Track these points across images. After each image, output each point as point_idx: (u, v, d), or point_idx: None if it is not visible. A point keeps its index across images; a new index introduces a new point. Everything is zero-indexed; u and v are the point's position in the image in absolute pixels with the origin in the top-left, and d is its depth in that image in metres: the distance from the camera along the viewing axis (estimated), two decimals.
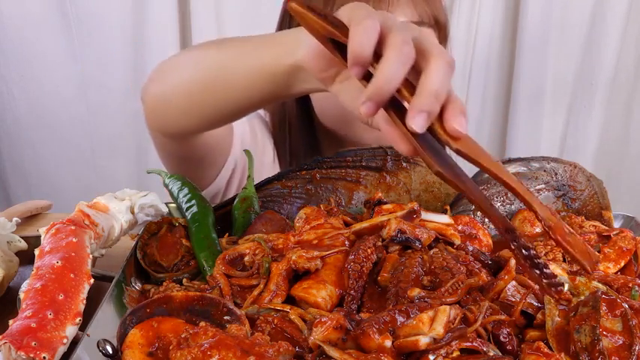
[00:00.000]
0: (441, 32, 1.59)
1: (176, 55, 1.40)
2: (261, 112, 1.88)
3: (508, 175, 0.87)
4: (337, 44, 0.92)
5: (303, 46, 1.04)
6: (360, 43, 0.86)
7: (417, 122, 0.84)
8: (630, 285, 1.00)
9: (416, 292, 0.91)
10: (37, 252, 1.03)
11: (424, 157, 0.88)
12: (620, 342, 0.85)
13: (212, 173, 1.56)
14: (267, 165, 1.80)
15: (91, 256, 1.05)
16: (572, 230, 0.87)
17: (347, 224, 1.17)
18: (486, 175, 1.28)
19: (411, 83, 0.87)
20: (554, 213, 0.87)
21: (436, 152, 0.87)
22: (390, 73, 0.85)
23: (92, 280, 0.99)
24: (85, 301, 0.96)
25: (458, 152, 0.85)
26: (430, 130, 0.86)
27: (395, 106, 0.89)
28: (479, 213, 1.32)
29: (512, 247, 0.87)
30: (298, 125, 1.75)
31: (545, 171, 1.34)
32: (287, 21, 1.68)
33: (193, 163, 1.54)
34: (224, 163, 1.66)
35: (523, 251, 0.86)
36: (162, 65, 1.38)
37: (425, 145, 0.88)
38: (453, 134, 0.85)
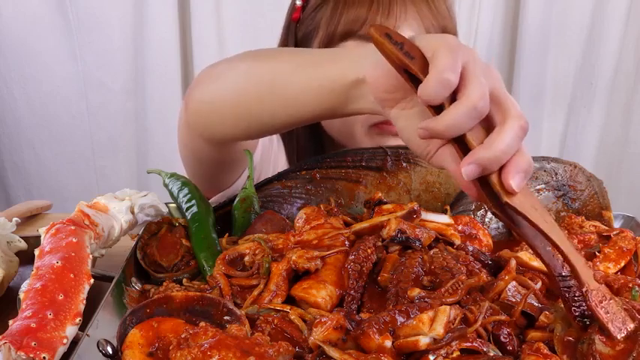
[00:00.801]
0: None
1: (225, 62, 1.34)
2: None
3: (558, 234, 0.87)
4: (412, 75, 0.90)
5: (371, 61, 0.99)
6: (436, 92, 0.86)
7: (467, 171, 0.85)
8: (630, 285, 1.00)
9: (416, 292, 0.91)
10: (37, 252, 1.03)
11: (483, 199, 0.90)
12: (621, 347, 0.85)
13: (234, 176, 1.54)
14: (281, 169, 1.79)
15: (91, 256, 1.05)
16: (613, 296, 0.87)
17: (347, 224, 1.17)
18: None
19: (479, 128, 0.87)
20: (598, 278, 0.88)
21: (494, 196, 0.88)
22: (455, 123, 0.85)
23: (92, 281, 0.99)
24: (85, 301, 0.96)
25: (507, 206, 0.86)
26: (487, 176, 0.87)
27: (462, 144, 0.89)
28: (479, 213, 1.32)
29: (562, 292, 0.88)
30: (305, 132, 1.75)
31: (545, 171, 1.34)
32: (293, 29, 1.67)
33: (225, 167, 1.52)
34: (247, 166, 1.65)
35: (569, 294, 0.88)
36: (210, 71, 1.34)
37: (486, 188, 0.89)
38: (507, 189, 0.86)
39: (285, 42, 1.70)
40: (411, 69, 0.88)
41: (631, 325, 0.85)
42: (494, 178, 0.86)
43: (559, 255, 0.88)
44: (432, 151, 0.95)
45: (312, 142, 1.77)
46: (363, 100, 1.05)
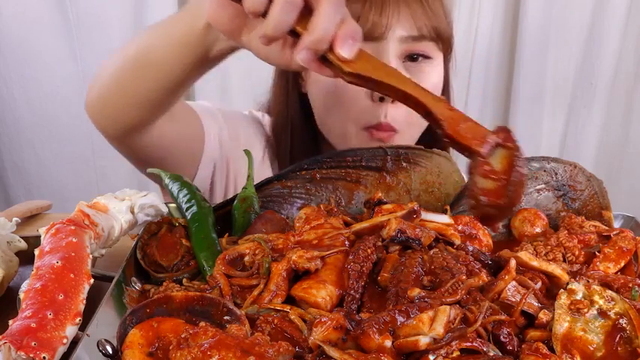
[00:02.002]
0: (444, 44, 1.60)
1: (104, 60, 1.45)
2: (256, 113, 1.89)
3: (404, 83, 0.96)
4: None
5: (206, 4, 1.10)
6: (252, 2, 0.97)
7: (302, 56, 0.96)
8: (630, 285, 1.00)
9: (416, 292, 0.91)
10: (37, 252, 1.03)
11: (339, 76, 0.99)
12: None
13: (185, 174, 1.55)
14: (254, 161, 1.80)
15: (90, 256, 1.05)
16: (469, 118, 0.95)
17: (347, 224, 1.17)
18: None
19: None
20: (451, 108, 0.95)
21: None
22: (277, 20, 0.95)
23: (92, 280, 0.99)
24: (85, 301, 0.96)
25: (351, 75, 0.94)
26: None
27: None
28: None
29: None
30: (300, 127, 1.75)
31: (545, 171, 1.34)
32: None
33: (154, 164, 1.55)
34: (197, 164, 1.68)
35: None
36: (96, 70, 1.46)
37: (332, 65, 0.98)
38: (341, 59, 0.94)
39: None
40: None
41: (493, 137, 0.93)
42: (330, 55, 0.95)
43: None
44: (289, 56, 1.07)
45: (307, 139, 1.77)
46: (219, 41, 1.17)
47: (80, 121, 3.06)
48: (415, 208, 1.13)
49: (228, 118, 1.78)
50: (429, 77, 1.58)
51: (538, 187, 1.34)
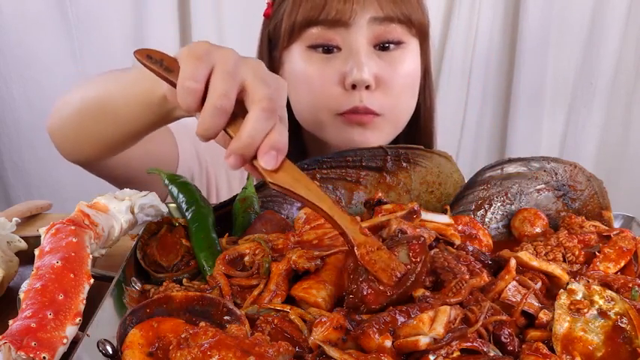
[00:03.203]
0: (418, 30, 1.59)
1: (69, 90, 1.45)
2: None
3: (321, 200, 0.96)
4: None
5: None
6: (182, 99, 0.97)
7: (230, 161, 0.96)
8: (630, 285, 1.00)
9: (420, 292, 0.91)
10: (37, 252, 1.02)
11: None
12: None
13: (157, 190, 1.55)
14: (237, 173, 1.81)
15: (91, 256, 1.05)
16: (382, 246, 0.96)
17: None
18: (487, 175, 1.30)
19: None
20: (366, 232, 0.97)
21: None
22: (206, 126, 0.96)
23: (92, 280, 0.99)
24: (85, 301, 0.95)
25: (273, 186, 0.96)
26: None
27: None
28: (479, 213, 1.32)
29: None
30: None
31: (545, 171, 1.34)
32: (266, 25, 1.70)
33: (122, 183, 1.56)
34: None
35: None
36: (58, 101, 1.47)
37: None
38: (264, 170, 0.95)
39: (260, 39, 1.73)
40: (171, 82, 1.00)
41: (399, 273, 0.93)
42: (255, 162, 0.96)
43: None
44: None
45: (292, 139, 1.78)
46: (179, 109, 1.12)
47: None
48: (415, 208, 1.14)
49: None
50: (402, 64, 1.57)
51: (538, 187, 1.34)
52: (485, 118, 3.40)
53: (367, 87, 1.52)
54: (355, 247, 0.94)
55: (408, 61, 1.58)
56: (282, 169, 0.96)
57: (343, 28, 1.51)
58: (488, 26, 3.25)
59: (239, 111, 0.97)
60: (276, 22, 1.63)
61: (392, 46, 1.55)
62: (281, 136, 0.96)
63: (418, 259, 0.93)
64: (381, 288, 0.91)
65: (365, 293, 0.91)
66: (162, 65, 1.01)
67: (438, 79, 3.25)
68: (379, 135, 1.58)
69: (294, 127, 1.71)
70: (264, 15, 1.70)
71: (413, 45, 1.60)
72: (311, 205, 0.96)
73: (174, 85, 0.99)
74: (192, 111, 0.99)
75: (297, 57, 1.58)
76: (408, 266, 0.93)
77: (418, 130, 1.76)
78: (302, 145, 1.77)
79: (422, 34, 1.62)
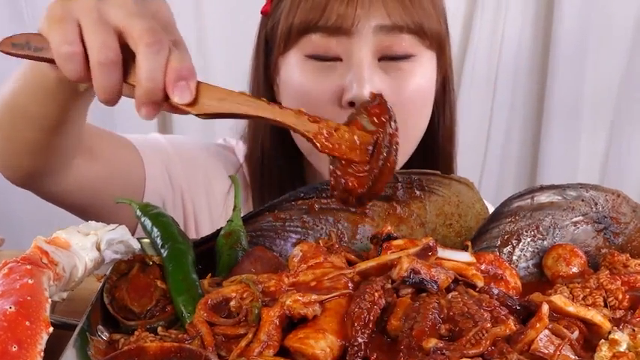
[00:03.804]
0: (433, 42, 1.61)
1: None
2: (230, 141, 1.92)
3: (257, 107, 1.02)
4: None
5: None
6: (64, 69, 1.03)
7: (143, 114, 1.02)
8: None
9: (432, 343, 0.92)
10: None
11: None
12: None
13: (122, 219, 1.57)
14: (218, 195, 1.84)
15: (49, 300, 1.05)
16: (338, 126, 1.02)
17: (350, 263, 1.17)
18: (514, 206, 1.30)
19: None
20: (315, 119, 1.03)
21: None
22: (98, 84, 1.01)
23: (51, 329, 0.99)
24: (42, 354, 0.96)
25: (202, 117, 1.01)
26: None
27: None
28: (505, 250, 1.33)
29: None
30: (273, 150, 1.78)
31: (583, 200, 1.35)
32: (264, 23, 1.72)
33: (79, 211, 1.61)
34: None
35: None
36: None
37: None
38: (180, 105, 1.00)
39: (257, 40, 1.76)
40: (49, 60, 1.05)
41: (370, 143, 1.00)
42: (171, 102, 1.00)
43: None
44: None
45: (285, 163, 1.80)
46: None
47: None
48: (431, 244, 1.14)
49: (183, 149, 1.82)
50: (411, 77, 1.59)
51: (575, 219, 1.35)
52: (512, 137, 3.41)
53: None
54: (313, 140, 1.00)
55: (418, 76, 1.59)
56: (201, 96, 1.00)
57: (345, 36, 1.53)
58: (517, 30, 3.26)
59: (132, 58, 1.01)
60: (274, 22, 1.65)
61: (399, 58, 1.57)
62: (182, 61, 1.00)
63: (383, 119, 0.98)
64: (360, 168, 0.95)
65: (345, 182, 0.97)
66: (30, 47, 1.07)
67: (458, 93, 3.26)
68: None
69: (289, 148, 1.73)
70: (261, 12, 1.72)
71: (426, 58, 1.61)
72: (249, 117, 1.02)
73: (53, 61, 1.04)
74: (83, 79, 1.02)
75: (293, 65, 1.60)
76: (376, 132, 0.98)
77: (435, 153, 1.77)
78: (300, 170, 1.79)
79: (438, 45, 1.64)
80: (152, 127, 3.18)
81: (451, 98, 1.77)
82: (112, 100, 1.03)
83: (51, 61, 1.04)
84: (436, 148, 1.77)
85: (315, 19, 1.53)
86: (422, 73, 1.60)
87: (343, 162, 0.98)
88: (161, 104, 1.00)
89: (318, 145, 0.99)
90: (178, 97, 0.98)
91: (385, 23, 1.53)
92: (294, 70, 1.60)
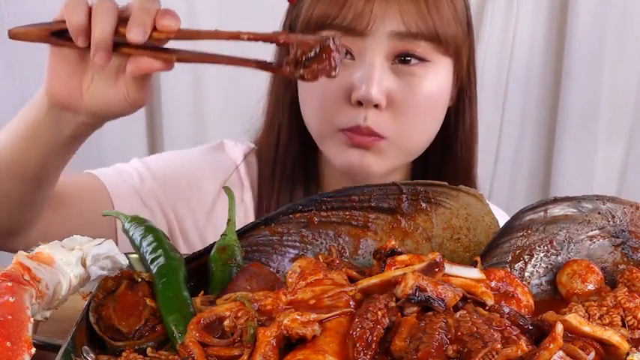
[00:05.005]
0: (450, 49, 1.66)
1: None
2: (227, 142, 1.96)
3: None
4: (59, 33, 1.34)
5: (44, 82, 1.38)
6: (70, 19, 1.28)
7: (130, 69, 1.28)
8: None
9: None
10: None
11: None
12: None
13: None
14: (206, 200, 1.87)
15: (32, 319, 1.05)
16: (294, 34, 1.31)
17: (352, 280, 1.17)
18: (527, 219, 1.30)
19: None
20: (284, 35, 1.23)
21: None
22: (99, 25, 1.25)
23: (33, 350, 1.00)
24: None
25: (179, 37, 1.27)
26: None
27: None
28: (516, 266, 1.33)
29: None
30: (289, 139, 1.85)
31: (599, 213, 1.35)
32: (290, 12, 1.77)
33: None
34: (116, 239, 1.73)
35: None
36: None
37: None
38: (164, 30, 1.24)
39: (282, 28, 1.80)
40: (53, 27, 1.35)
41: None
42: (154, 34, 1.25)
43: None
44: (123, 89, 1.35)
45: (301, 163, 1.86)
46: (66, 121, 1.40)
47: None
48: (437, 259, 1.14)
49: (158, 167, 1.87)
50: (423, 82, 1.63)
51: (591, 233, 1.35)
52: (524, 146, 3.41)
53: (376, 106, 1.58)
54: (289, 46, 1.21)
55: (430, 81, 1.64)
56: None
57: (359, 37, 1.59)
58: (529, 32, 3.27)
59: None
60: (297, 12, 1.71)
61: (414, 60, 1.61)
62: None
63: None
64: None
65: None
66: (43, 24, 1.38)
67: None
68: (382, 161, 1.67)
69: (307, 144, 1.76)
70: (288, 0, 1.78)
71: (442, 65, 1.66)
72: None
73: (53, 33, 1.34)
74: (82, 28, 1.27)
75: None
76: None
77: (453, 162, 1.80)
78: (314, 164, 1.86)
79: (455, 51, 1.68)
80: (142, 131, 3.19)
81: (472, 107, 1.81)
82: (105, 46, 1.24)
83: (52, 28, 1.35)
84: (454, 156, 1.80)
85: (333, 15, 1.59)
86: (435, 79, 1.65)
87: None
88: (145, 31, 1.23)
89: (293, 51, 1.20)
90: (167, 23, 1.24)
91: (400, 30, 1.58)
92: None
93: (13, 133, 1.46)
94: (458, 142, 1.82)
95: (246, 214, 1.89)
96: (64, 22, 1.30)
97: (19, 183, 1.46)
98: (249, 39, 1.22)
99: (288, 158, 1.85)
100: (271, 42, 1.24)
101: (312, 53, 1.19)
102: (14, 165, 1.45)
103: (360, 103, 1.60)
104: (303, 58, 1.20)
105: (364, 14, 1.57)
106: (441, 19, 1.61)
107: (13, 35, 1.33)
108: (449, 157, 1.83)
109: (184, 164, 1.92)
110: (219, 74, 3.12)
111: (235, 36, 1.23)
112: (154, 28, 1.24)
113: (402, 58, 1.62)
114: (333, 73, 1.22)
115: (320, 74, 1.20)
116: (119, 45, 1.27)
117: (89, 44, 1.26)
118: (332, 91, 1.63)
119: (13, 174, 1.46)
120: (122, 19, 1.25)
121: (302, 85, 1.73)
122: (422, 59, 1.62)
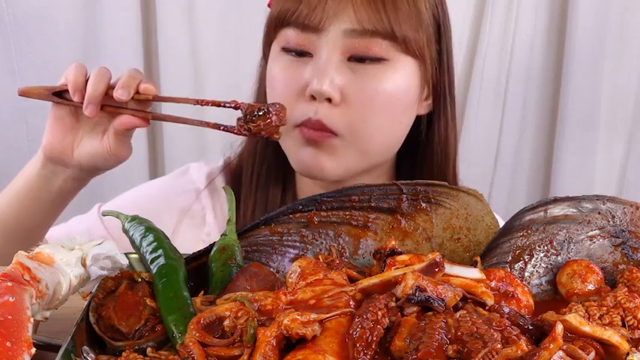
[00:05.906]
0: (409, 49, 1.66)
1: None
2: (194, 167, 2.04)
3: None
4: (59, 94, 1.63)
5: (43, 140, 1.67)
6: (71, 79, 1.57)
7: (120, 94, 1.53)
8: None
9: None
10: None
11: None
12: None
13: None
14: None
15: (32, 319, 1.05)
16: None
17: (352, 280, 1.17)
18: (527, 219, 1.30)
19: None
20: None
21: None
22: (94, 84, 1.55)
23: (34, 350, 0.99)
24: None
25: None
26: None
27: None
28: (516, 266, 1.33)
29: None
30: (266, 150, 1.89)
31: (599, 213, 1.35)
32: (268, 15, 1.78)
33: None
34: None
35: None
36: None
37: None
38: (145, 92, 1.56)
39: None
40: (56, 88, 1.63)
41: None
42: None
43: None
44: (106, 144, 1.63)
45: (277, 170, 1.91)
46: (57, 173, 1.69)
47: (18, 151, 3.08)
48: (437, 259, 1.14)
49: (124, 204, 1.95)
50: (378, 80, 1.64)
51: (591, 233, 1.35)
52: (524, 147, 3.41)
53: (330, 101, 1.61)
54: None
55: (387, 79, 1.65)
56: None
57: (314, 33, 1.62)
58: (529, 32, 3.26)
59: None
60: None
61: (367, 60, 1.63)
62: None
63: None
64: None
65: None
66: (47, 87, 1.66)
67: (465, 100, 3.26)
68: (336, 161, 1.68)
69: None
70: (268, 5, 1.80)
71: (401, 63, 1.66)
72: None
73: (54, 93, 1.63)
74: (80, 86, 1.56)
75: (272, 57, 1.74)
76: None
77: (429, 169, 1.81)
78: (292, 174, 1.88)
79: (420, 53, 1.68)
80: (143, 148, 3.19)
81: (448, 111, 1.80)
82: (94, 102, 1.55)
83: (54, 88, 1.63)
84: (428, 161, 1.81)
85: (291, 10, 1.63)
86: (392, 78, 1.66)
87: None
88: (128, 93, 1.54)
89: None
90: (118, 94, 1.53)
91: (354, 27, 1.61)
92: (271, 62, 1.73)
93: (14, 187, 1.74)
94: (433, 148, 1.82)
95: (209, 235, 1.94)
96: (63, 85, 1.60)
97: (5, 240, 1.70)
98: (212, 104, 1.50)
99: (264, 165, 1.88)
100: (227, 106, 1.47)
101: (260, 112, 1.41)
102: (9, 221, 1.72)
103: (313, 98, 1.63)
104: (251, 116, 1.41)
105: (317, 10, 1.60)
106: (397, 17, 1.61)
107: (22, 93, 1.70)
108: (423, 161, 1.84)
109: (151, 194, 2.06)
110: (218, 86, 3.12)
111: (200, 102, 1.52)
112: (137, 92, 1.55)
113: (358, 57, 1.63)
114: (276, 136, 1.43)
115: (264, 129, 1.41)
116: (107, 105, 1.58)
117: (82, 101, 1.55)
118: (291, 88, 1.67)
119: (7, 231, 1.72)
120: (113, 85, 1.55)
121: (268, 85, 1.76)
122: (378, 59, 1.63)
